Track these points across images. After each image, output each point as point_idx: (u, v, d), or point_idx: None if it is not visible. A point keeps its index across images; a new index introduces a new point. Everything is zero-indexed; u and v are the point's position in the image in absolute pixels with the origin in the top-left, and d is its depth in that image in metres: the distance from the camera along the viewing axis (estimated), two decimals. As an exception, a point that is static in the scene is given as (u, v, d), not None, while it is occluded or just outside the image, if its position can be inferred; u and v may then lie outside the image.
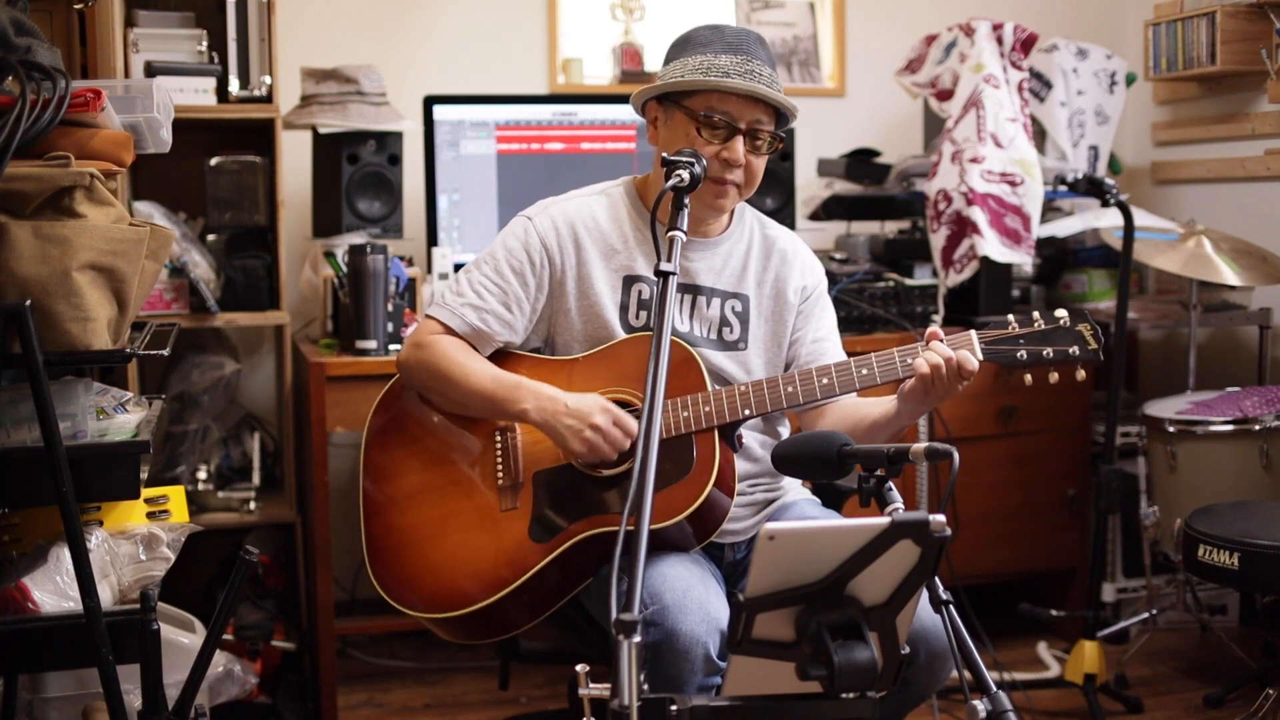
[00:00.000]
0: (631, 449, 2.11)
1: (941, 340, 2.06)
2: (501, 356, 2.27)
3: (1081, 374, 2.09)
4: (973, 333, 2.09)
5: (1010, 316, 2.12)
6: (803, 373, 2.13)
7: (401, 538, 2.23)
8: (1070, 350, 2.08)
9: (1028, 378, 2.11)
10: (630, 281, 2.25)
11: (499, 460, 2.21)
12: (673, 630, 1.90)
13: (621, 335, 2.23)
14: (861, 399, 2.25)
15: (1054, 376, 2.09)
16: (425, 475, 2.25)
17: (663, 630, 1.91)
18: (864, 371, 2.10)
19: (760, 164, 2.20)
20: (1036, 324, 2.10)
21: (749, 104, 2.14)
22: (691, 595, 1.95)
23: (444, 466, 2.25)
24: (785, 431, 2.35)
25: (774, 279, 2.31)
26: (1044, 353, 2.08)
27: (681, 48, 2.20)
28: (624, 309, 2.24)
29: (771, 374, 2.29)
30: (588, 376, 2.20)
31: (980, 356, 2.07)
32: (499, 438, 2.22)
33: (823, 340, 2.33)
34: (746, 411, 2.11)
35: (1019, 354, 2.09)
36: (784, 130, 2.22)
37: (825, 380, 2.11)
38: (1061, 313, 2.10)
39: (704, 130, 2.14)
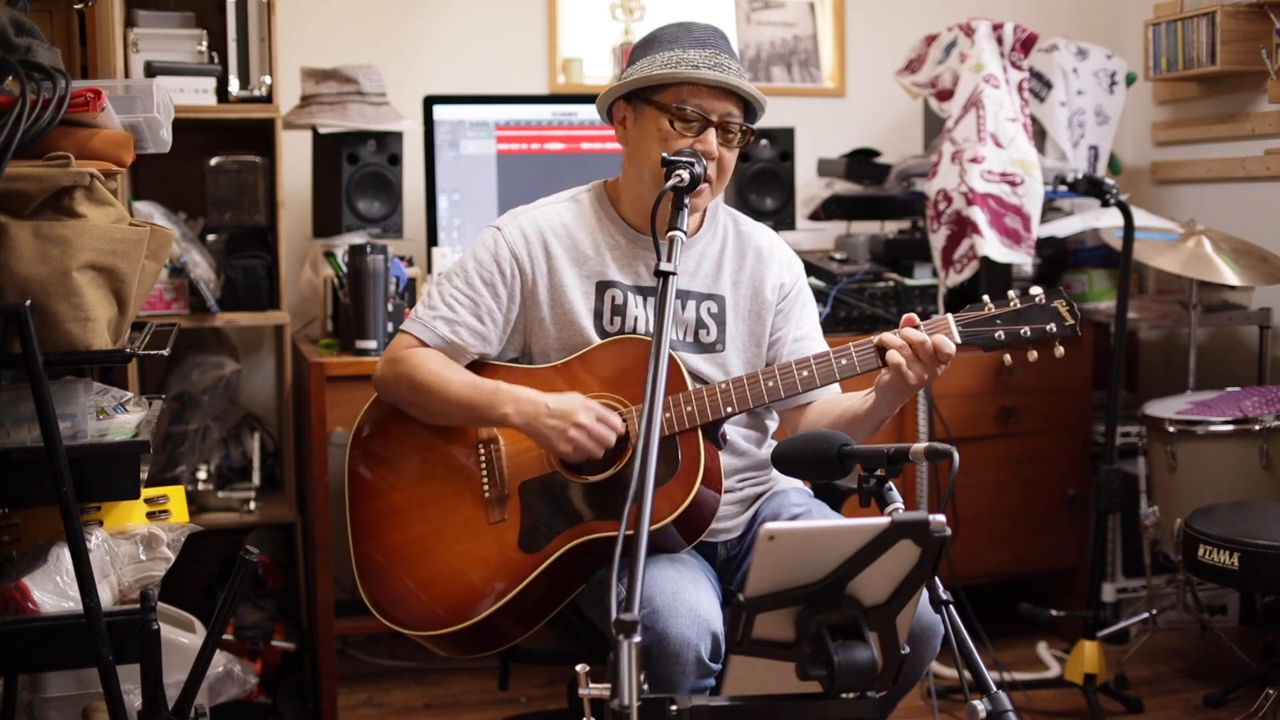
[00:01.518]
0: (616, 448, 2.11)
1: (917, 326, 2.05)
2: (479, 368, 2.26)
3: (1060, 350, 2.08)
4: (950, 316, 2.09)
5: (985, 297, 2.12)
6: (782, 366, 2.11)
7: (391, 556, 2.23)
8: (1048, 327, 2.08)
9: (1007, 358, 2.11)
10: (603, 288, 2.24)
11: (484, 473, 2.20)
12: (663, 633, 1.90)
13: (597, 342, 2.22)
14: (841, 395, 2.25)
15: (1033, 355, 2.09)
16: (411, 492, 2.24)
17: (653, 634, 1.90)
18: (843, 361, 2.08)
19: (731, 157, 2.18)
20: (1012, 303, 2.09)
21: (720, 96, 2.12)
22: (682, 598, 1.94)
23: (429, 482, 2.23)
24: (772, 425, 2.35)
25: (750, 277, 2.29)
26: (1022, 331, 2.08)
27: (647, 46, 2.19)
28: (598, 315, 2.23)
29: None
30: (566, 383, 2.19)
31: (959, 339, 2.06)
32: (482, 450, 2.21)
33: (804, 339, 2.30)
34: (729, 409, 2.10)
35: (997, 334, 2.08)
36: (752, 124, 2.19)
37: (805, 373, 2.09)
38: (1037, 290, 2.10)
39: (676, 123, 2.12)
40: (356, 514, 2.28)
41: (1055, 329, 2.08)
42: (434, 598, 2.17)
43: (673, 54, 2.13)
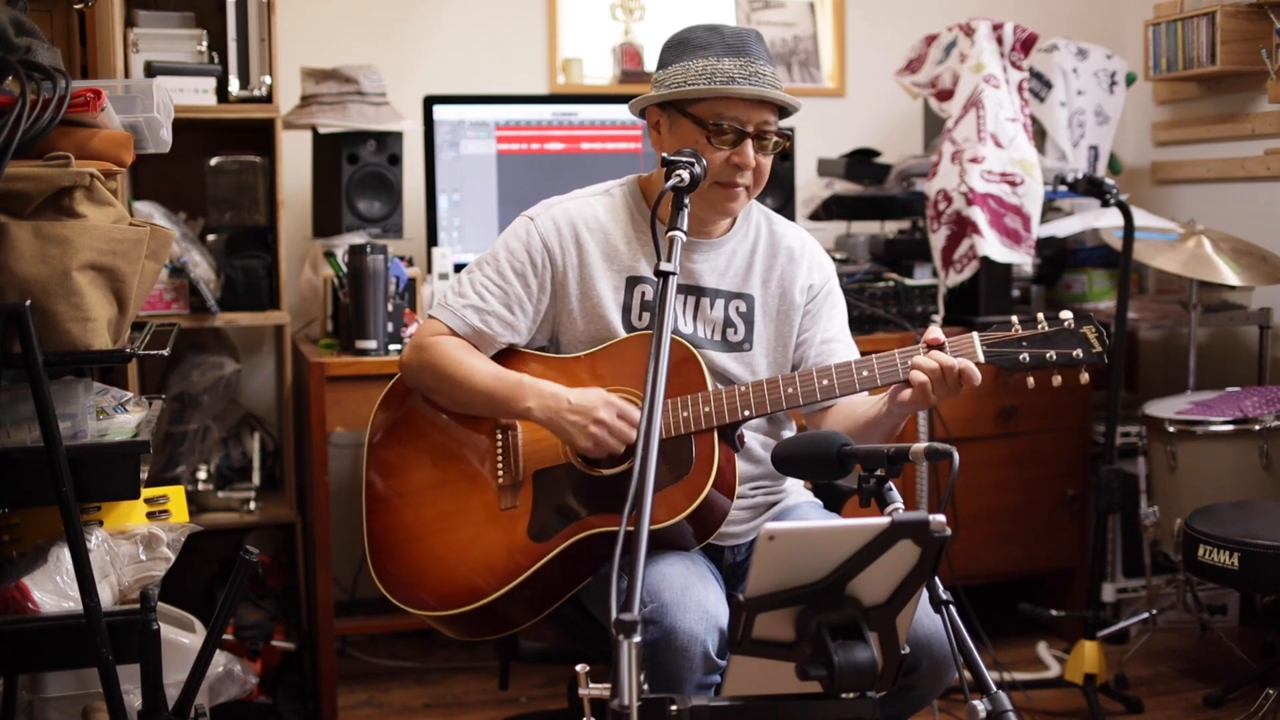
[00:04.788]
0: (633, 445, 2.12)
1: (944, 346, 2.04)
2: (504, 355, 2.27)
3: (1085, 377, 2.07)
4: (975, 335, 2.07)
5: (1014, 318, 2.10)
6: (803, 374, 2.11)
7: (403, 535, 2.24)
8: (1074, 353, 2.06)
9: (1030, 380, 2.08)
10: (634, 282, 2.24)
11: (499, 458, 2.21)
12: (671, 628, 1.90)
13: (624, 336, 2.22)
14: (859, 399, 2.23)
15: (1057, 379, 2.07)
16: (427, 473, 2.26)
17: (661, 628, 1.91)
18: (864, 373, 2.08)
19: (768, 163, 2.19)
20: (1040, 326, 2.07)
21: (756, 107, 2.13)
22: (691, 593, 1.95)
23: (445, 464, 2.25)
24: (789, 433, 2.34)
25: (780, 278, 2.29)
26: (1047, 355, 2.05)
27: (680, 51, 2.18)
28: (627, 310, 2.23)
29: (777, 375, 2.28)
30: (589, 375, 2.20)
31: (982, 359, 2.05)
32: (500, 436, 2.22)
33: (832, 340, 2.30)
34: (746, 412, 2.10)
35: (1021, 356, 2.06)
36: (786, 126, 2.21)
37: (825, 381, 2.09)
38: (1066, 314, 2.08)
39: (714, 138, 2.13)
40: (371, 490, 2.30)
41: (1082, 355, 2.05)
42: (442, 579, 2.19)
43: (707, 63, 2.13)
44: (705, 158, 2.10)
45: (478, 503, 2.20)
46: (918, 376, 2.01)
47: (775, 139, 2.17)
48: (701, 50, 2.15)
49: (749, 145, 2.14)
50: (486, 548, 2.17)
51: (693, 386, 2.12)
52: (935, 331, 2.06)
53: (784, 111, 2.19)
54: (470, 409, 2.23)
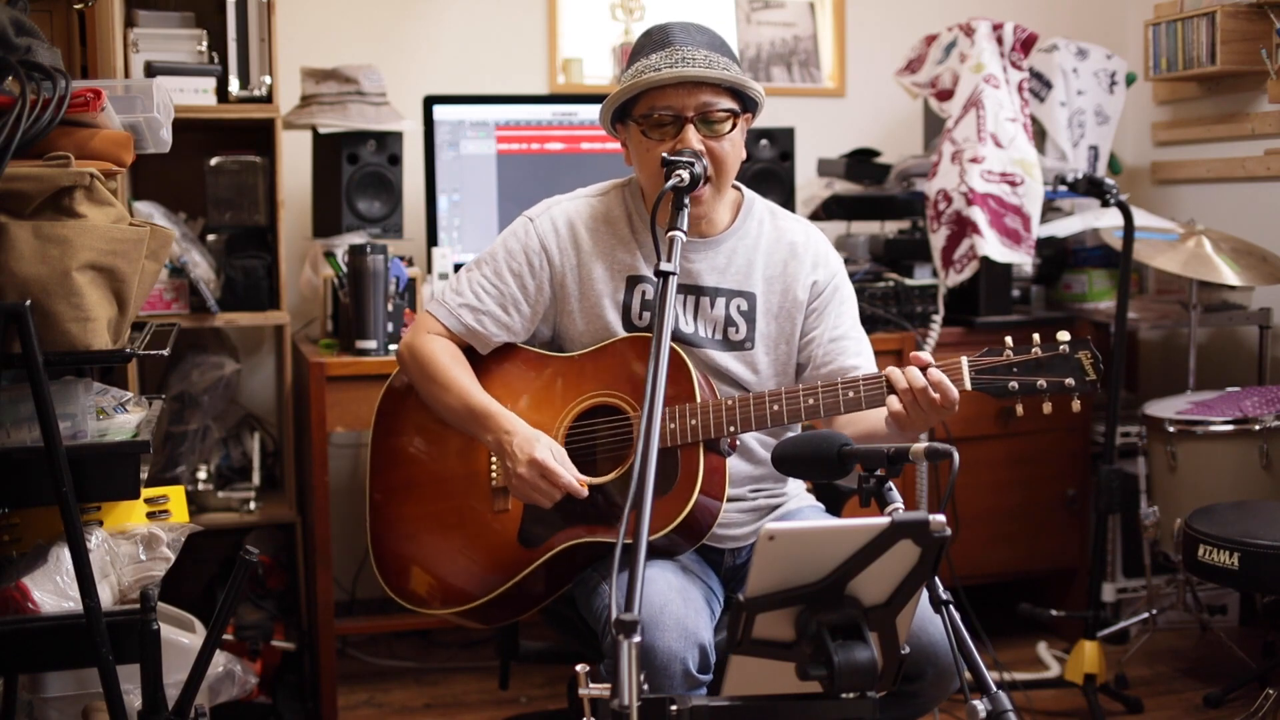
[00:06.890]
0: (622, 449, 2.13)
1: (926, 368, 1.98)
2: (500, 352, 2.27)
3: (1077, 405, 1.98)
4: (964, 360, 2.01)
5: (1008, 339, 2.01)
6: (789, 391, 2.07)
7: (401, 530, 2.27)
8: (1065, 381, 1.97)
9: (1019, 408, 2.02)
10: (634, 281, 2.23)
11: (492, 460, 2.22)
12: (649, 647, 1.89)
13: (623, 335, 2.21)
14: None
15: (1047, 407, 2.00)
16: (426, 467, 2.27)
17: (639, 647, 1.89)
18: (850, 395, 2.04)
19: (725, 147, 2.13)
20: (1034, 350, 1.99)
21: (689, 91, 2.10)
22: (669, 611, 1.94)
23: (441, 461, 2.26)
24: (791, 434, 2.34)
25: (783, 274, 2.26)
26: (1037, 384, 1.98)
27: (628, 63, 2.19)
28: (626, 309, 2.23)
29: (780, 372, 2.26)
30: (582, 377, 2.20)
31: (969, 386, 1.99)
32: None
33: (841, 338, 2.26)
34: (732, 428, 2.07)
35: (1010, 385, 1.98)
36: (750, 109, 2.17)
37: (811, 401, 2.06)
38: (1064, 336, 2.00)
39: (651, 132, 2.12)
40: (375, 480, 2.32)
41: (1074, 383, 1.97)
42: (431, 577, 2.22)
43: (637, 65, 2.13)
44: (655, 154, 2.09)
45: (472, 503, 2.21)
46: (893, 404, 1.98)
47: (726, 119, 2.12)
48: (635, 56, 2.16)
49: (691, 131, 2.10)
50: (477, 551, 2.19)
51: (683, 395, 2.10)
52: (923, 356, 2.01)
53: (744, 97, 2.14)
54: (443, 416, 2.25)
